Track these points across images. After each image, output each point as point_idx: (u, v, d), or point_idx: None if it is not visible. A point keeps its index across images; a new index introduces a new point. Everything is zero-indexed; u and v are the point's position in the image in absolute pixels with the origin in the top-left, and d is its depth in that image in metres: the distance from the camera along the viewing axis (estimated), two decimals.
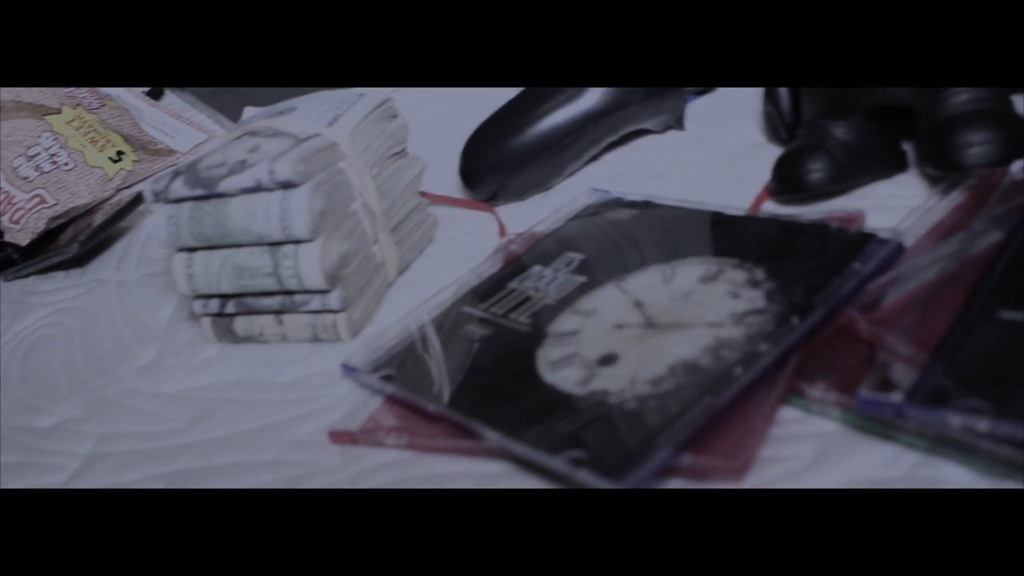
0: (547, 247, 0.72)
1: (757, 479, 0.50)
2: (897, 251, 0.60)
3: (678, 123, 0.88)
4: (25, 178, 0.97)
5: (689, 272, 0.64)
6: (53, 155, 0.98)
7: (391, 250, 0.74)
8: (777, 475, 0.50)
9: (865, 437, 0.51)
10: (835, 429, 0.52)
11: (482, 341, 0.64)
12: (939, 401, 0.47)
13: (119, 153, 1.02)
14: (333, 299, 0.69)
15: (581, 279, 0.67)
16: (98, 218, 0.94)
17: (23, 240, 0.94)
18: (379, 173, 0.74)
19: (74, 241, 0.90)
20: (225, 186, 0.67)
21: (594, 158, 0.88)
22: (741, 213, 0.69)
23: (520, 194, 0.84)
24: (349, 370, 0.66)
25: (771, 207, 0.73)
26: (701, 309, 0.59)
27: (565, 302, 0.65)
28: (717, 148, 0.84)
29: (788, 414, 0.53)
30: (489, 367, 0.61)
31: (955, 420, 0.46)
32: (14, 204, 0.95)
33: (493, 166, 0.82)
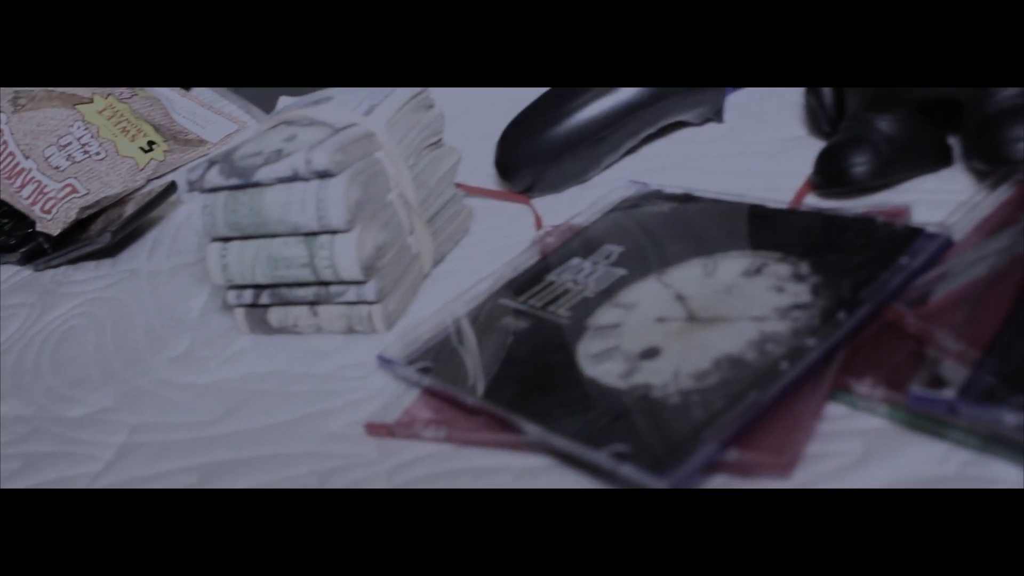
0: (585, 239, 0.72)
1: (803, 476, 0.49)
2: (945, 246, 0.60)
3: (717, 116, 0.87)
4: (57, 168, 0.97)
5: (731, 265, 0.63)
6: (85, 145, 0.98)
7: (427, 241, 0.74)
8: (823, 472, 0.49)
9: (913, 434, 0.50)
10: (882, 426, 0.51)
11: (520, 334, 0.63)
12: (992, 398, 0.46)
13: (150, 143, 1.02)
14: (369, 290, 0.69)
15: (621, 272, 0.66)
16: (129, 208, 0.94)
17: (54, 230, 0.94)
18: (415, 163, 0.74)
19: (105, 231, 0.91)
20: (261, 175, 0.67)
21: (631, 150, 0.87)
22: (783, 206, 0.69)
23: (556, 186, 0.83)
24: (385, 362, 0.65)
25: (813, 201, 0.73)
26: (744, 303, 0.59)
27: (605, 295, 0.64)
28: (757, 141, 0.83)
29: (834, 410, 0.53)
30: (528, 360, 0.60)
31: (1009, 418, 0.45)
32: (45, 194, 0.96)
33: (529, 157, 0.82)
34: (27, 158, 0.98)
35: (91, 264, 0.94)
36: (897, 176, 0.71)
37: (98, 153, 0.98)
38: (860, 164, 0.70)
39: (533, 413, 0.55)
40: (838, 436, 0.51)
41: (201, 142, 1.09)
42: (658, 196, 0.75)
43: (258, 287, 0.72)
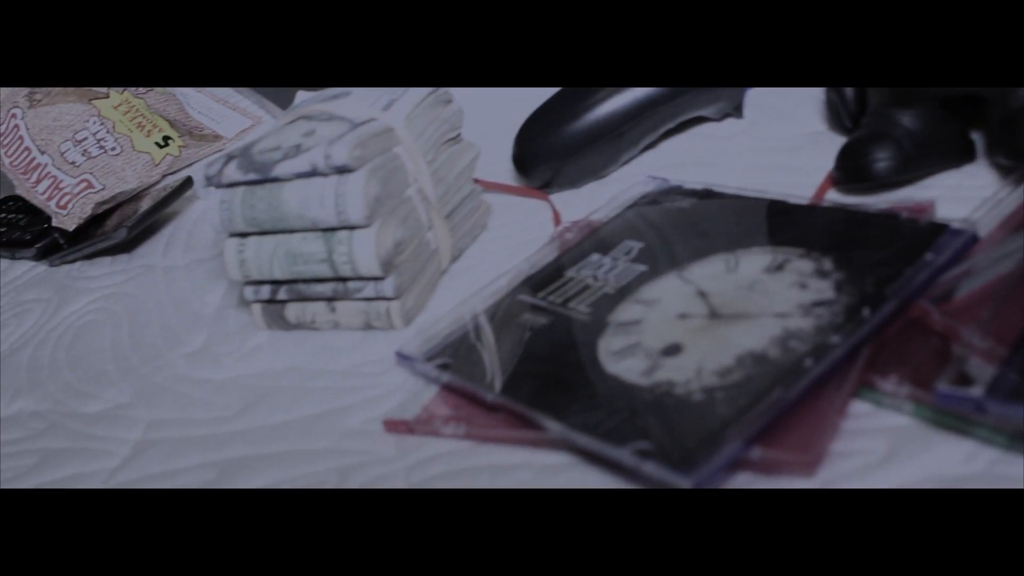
0: (605, 235, 0.72)
1: (828, 474, 0.49)
2: (971, 242, 0.59)
3: (736, 111, 0.87)
4: (72, 163, 0.97)
5: (753, 261, 0.63)
6: (100, 140, 0.98)
7: (445, 237, 0.74)
8: (848, 470, 0.49)
9: (939, 432, 0.50)
10: (907, 423, 0.51)
11: (540, 330, 0.63)
12: (1019, 396, 0.46)
13: (165, 138, 1.02)
14: (387, 286, 0.68)
15: (641, 268, 0.66)
16: (145, 203, 0.94)
17: (70, 225, 0.94)
18: (434, 159, 0.74)
19: (121, 226, 0.91)
20: (279, 171, 0.67)
21: (650, 146, 0.87)
22: (805, 202, 0.68)
23: (575, 182, 0.83)
24: (404, 358, 0.65)
25: (835, 197, 0.72)
26: (767, 299, 0.58)
27: (625, 291, 0.64)
28: (777, 136, 0.83)
29: (858, 407, 0.53)
30: (548, 356, 0.60)
31: None
32: (61, 189, 0.96)
33: (547, 153, 0.82)
34: (43, 153, 0.98)
35: (107, 260, 0.94)
36: (920, 172, 0.70)
37: (114, 148, 0.98)
38: (883, 160, 0.69)
39: (553, 410, 0.55)
40: (863, 434, 0.51)
41: (216, 137, 1.09)
42: (678, 192, 0.75)
43: (275, 283, 0.72)
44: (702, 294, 0.61)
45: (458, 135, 0.77)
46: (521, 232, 0.79)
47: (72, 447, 0.68)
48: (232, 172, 0.69)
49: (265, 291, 0.72)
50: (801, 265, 0.61)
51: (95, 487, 0.63)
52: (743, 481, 0.50)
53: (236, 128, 1.11)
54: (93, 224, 0.97)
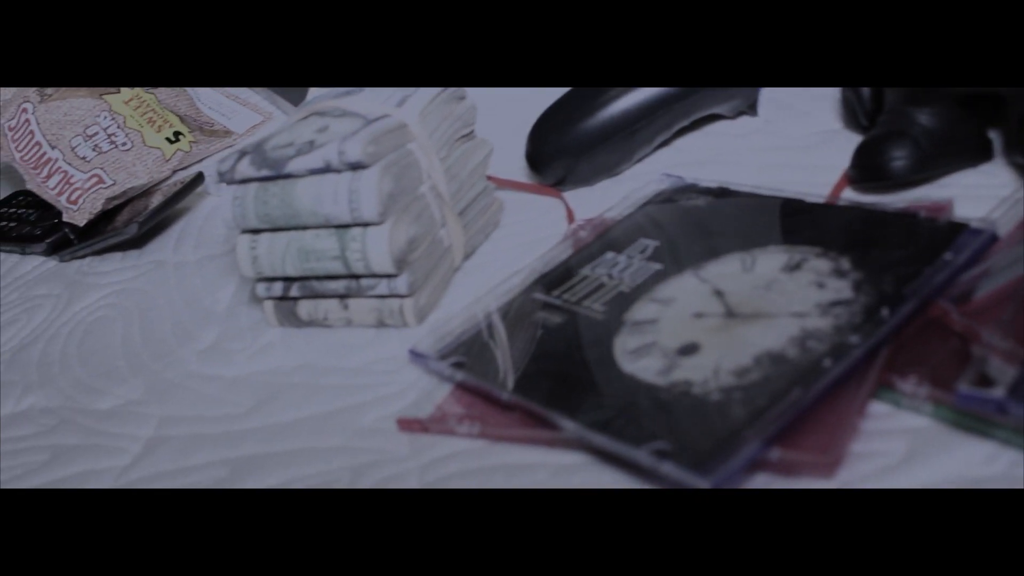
0: (620, 233, 0.71)
1: (847, 475, 0.49)
2: (990, 241, 0.59)
3: (751, 109, 0.86)
4: (83, 158, 0.97)
5: (770, 260, 0.62)
6: (111, 135, 0.98)
7: (458, 234, 0.74)
8: (868, 471, 0.49)
9: (959, 433, 0.49)
10: (927, 424, 0.50)
11: (554, 329, 0.63)
12: None
13: (176, 134, 1.02)
14: (400, 283, 0.68)
15: (657, 266, 0.66)
16: (156, 199, 0.94)
17: (80, 220, 0.94)
18: (447, 155, 0.73)
19: (132, 222, 0.90)
20: (293, 167, 0.67)
21: (664, 143, 0.86)
22: (821, 201, 0.68)
23: (588, 179, 0.83)
24: (417, 356, 0.65)
25: (851, 195, 0.72)
26: (785, 299, 0.58)
27: (641, 290, 0.64)
28: (792, 134, 0.83)
29: (877, 408, 0.52)
30: (563, 355, 0.60)
31: None
32: (72, 184, 0.95)
33: (561, 150, 0.81)
34: (53, 148, 0.98)
35: (117, 255, 0.94)
36: (937, 171, 0.70)
37: (124, 143, 0.98)
38: (899, 158, 0.69)
39: (570, 409, 0.55)
40: (882, 435, 0.50)
41: (227, 133, 1.09)
42: (693, 190, 0.74)
43: (288, 279, 0.72)
44: (718, 293, 0.61)
45: (471, 132, 0.77)
46: (534, 230, 0.79)
47: (83, 443, 0.68)
48: (245, 168, 0.68)
49: (277, 288, 0.72)
50: (819, 264, 0.60)
51: (106, 485, 0.63)
52: (761, 482, 0.49)
53: (247, 124, 1.11)
54: (103, 220, 0.97)
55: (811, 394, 0.50)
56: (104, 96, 1.01)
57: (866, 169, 0.70)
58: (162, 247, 0.93)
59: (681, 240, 0.68)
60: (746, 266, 0.63)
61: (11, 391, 0.76)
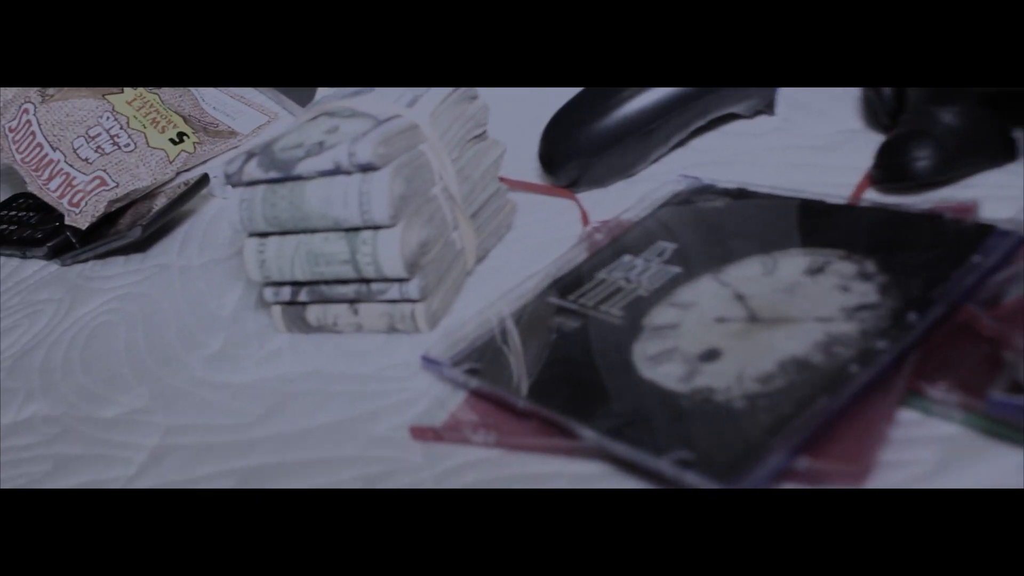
0: (636, 236, 0.71)
1: (877, 486, 0.48)
2: (1019, 244, 0.58)
3: (768, 108, 0.86)
4: (85, 160, 0.96)
5: (792, 263, 0.62)
6: (114, 136, 0.98)
7: (470, 237, 0.73)
8: (899, 481, 0.48)
9: (991, 441, 0.49)
10: (958, 432, 0.50)
11: (571, 334, 0.62)
12: None
13: (180, 135, 1.02)
14: (412, 288, 0.67)
15: (675, 270, 0.65)
16: (159, 202, 0.93)
17: (83, 223, 0.94)
18: (459, 156, 0.73)
19: (135, 225, 0.90)
20: (302, 168, 0.66)
21: (680, 143, 0.86)
22: (843, 202, 0.67)
23: (602, 180, 0.82)
24: (430, 363, 0.64)
25: (873, 196, 0.71)
26: (808, 303, 0.57)
27: (660, 294, 0.63)
28: (811, 134, 0.82)
29: (905, 416, 0.52)
30: (581, 361, 0.59)
31: None
32: (74, 186, 0.95)
33: (574, 151, 0.81)
34: (55, 149, 0.97)
35: (120, 259, 0.94)
36: (960, 171, 0.69)
37: (128, 145, 0.97)
38: (923, 158, 0.68)
39: (589, 417, 0.54)
40: (912, 443, 0.50)
41: (232, 133, 1.08)
42: (711, 191, 0.74)
43: (296, 284, 0.71)
44: (740, 297, 0.60)
45: (483, 132, 0.76)
46: (547, 232, 0.78)
47: (87, 453, 0.67)
48: (253, 170, 0.68)
49: (286, 292, 0.71)
50: (842, 267, 0.60)
51: None
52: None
53: (252, 124, 1.10)
54: (106, 223, 0.96)
55: (838, 401, 0.49)
56: (107, 96, 1.00)
57: (889, 169, 0.70)
58: (166, 251, 0.92)
59: (700, 242, 0.67)
60: (767, 269, 0.62)
61: (12, 399, 0.76)
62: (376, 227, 0.66)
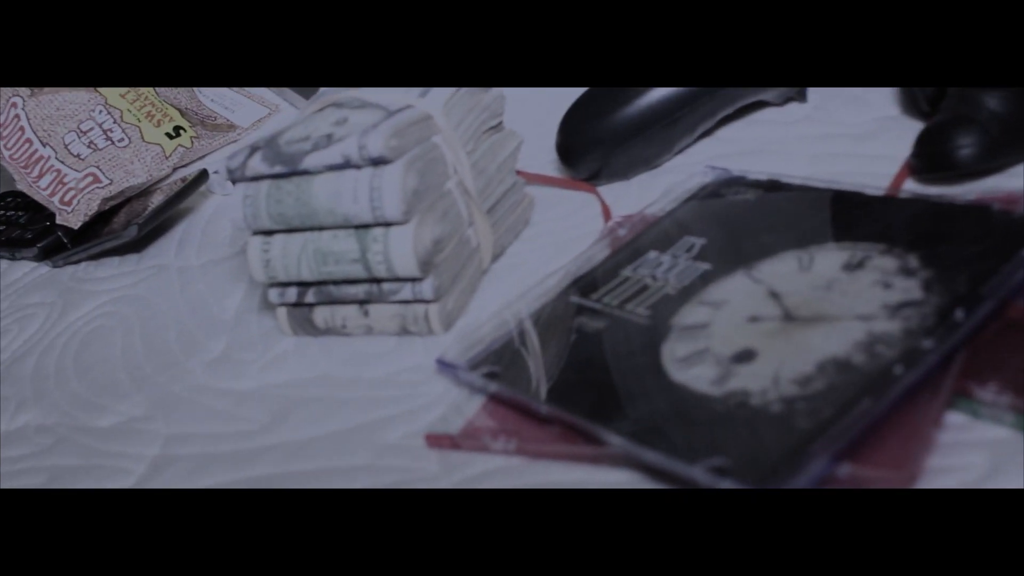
0: (662, 231, 0.70)
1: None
2: None
3: (800, 95, 0.85)
4: (77, 155, 0.96)
5: (829, 258, 0.61)
6: (107, 131, 0.98)
7: (486, 234, 0.73)
8: (947, 488, 0.48)
9: None
10: (1009, 436, 0.49)
11: (595, 335, 0.62)
12: None
13: (177, 128, 1.02)
14: (425, 288, 0.67)
15: (705, 266, 0.65)
16: (156, 199, 0.93)
17: (75, 223, 0.94)
18: (474, 149, 0.72)
19: (130, 224, 0.90)
20: (309, 162, 0.66)
21: (707, 133, 0.85)
22: (881, 193, 0.67)
23: (624, 173, 0.82)
24: (445, 366, 0.64)
25: (913, 187, 0.71)
26: (848, 300, 0.57)
27: (688, 292, 0.63)
28: (845, 122, 0.82)
29: (953, 419, 0.51)
30: (605, 364, 0.59)
31: None
32: (65, 184, 0.95)
33: (595, 142, 0.80)
34: (45, 145, 0.97)
35: (114, 260, 0.94)
36: (1007, 159, 0.69)
37: (121, 140, 0.97)
38: (967, 146, 0.68)
39: (616, 423, 0.54)
40: (961, 448, 0.49)
41: (231, 127, 1.08)
42: (741, 183, 0.73)
43: (303, 284, 0.71)
44: (774, 294, 0.60)
45: (499, 123, 0.76)
46: (567, 228, 0.78)
47: (83, 464, 0.67)
48: (257, 164, 0.68)
49: (292, 293, 0.71)
50: (883, 262, 0.59)
51: None
52: None
53: (252, 117, 1.10)
54: (100, 221, 0.96)
55: (882, 404, 0.49)
56: (99, 89, 1.00)
57: (930, 158, 0.69)
58: (163, 250, 0.93)
59: (730, 237, 0.67)
60: (803, 265, 0.62)
61: (4, 408, 0.76)
62: (388, 224, 0.66)
